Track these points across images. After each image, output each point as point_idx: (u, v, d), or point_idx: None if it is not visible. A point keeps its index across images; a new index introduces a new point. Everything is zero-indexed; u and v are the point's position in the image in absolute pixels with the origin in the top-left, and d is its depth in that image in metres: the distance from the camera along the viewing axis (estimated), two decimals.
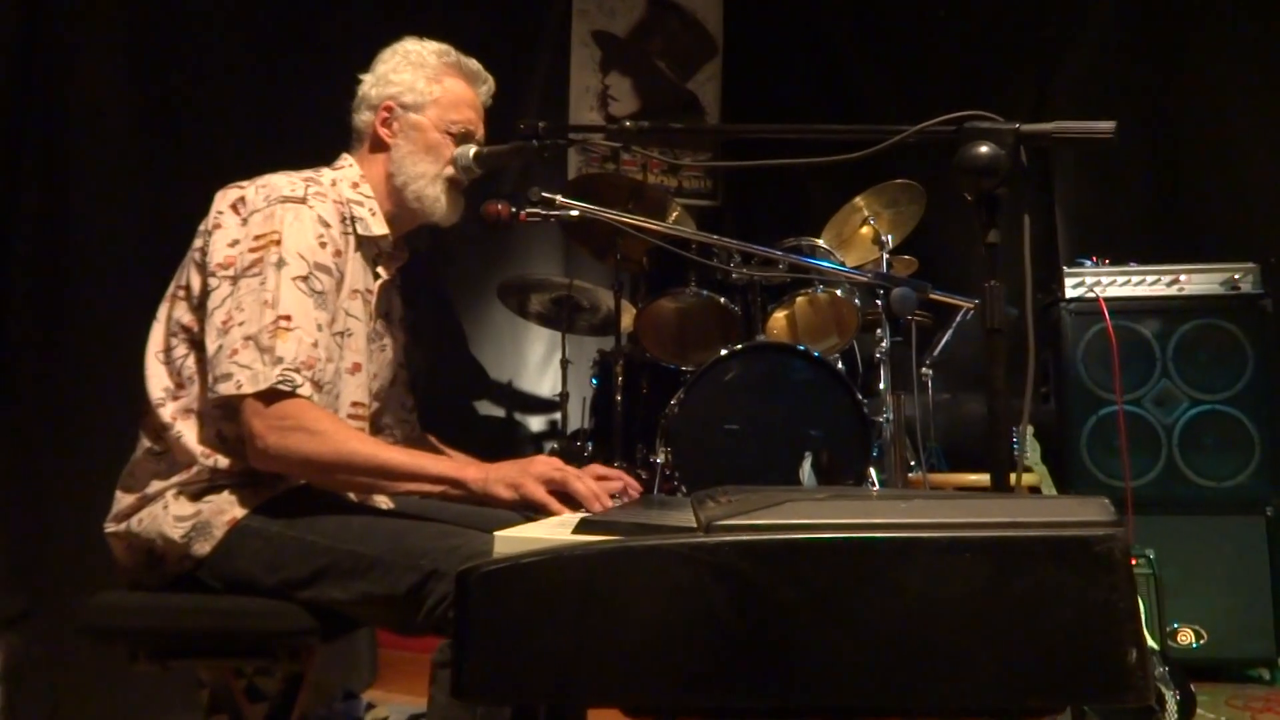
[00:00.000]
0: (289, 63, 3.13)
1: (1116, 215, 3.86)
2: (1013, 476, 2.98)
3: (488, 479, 1.46)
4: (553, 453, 3.99)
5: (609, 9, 4.89)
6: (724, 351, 3.11)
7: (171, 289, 1.59)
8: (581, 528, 0.84)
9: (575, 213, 1.74)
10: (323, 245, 1.52)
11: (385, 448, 1.51)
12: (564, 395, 3.89)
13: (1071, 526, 0.72)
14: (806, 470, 3.14)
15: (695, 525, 0.79)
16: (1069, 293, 3.49)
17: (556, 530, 0.91)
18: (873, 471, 3.19)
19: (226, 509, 1.43)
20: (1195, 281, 3.46)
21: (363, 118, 1.72)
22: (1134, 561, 3.05)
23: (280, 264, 1.46)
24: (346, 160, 1.71)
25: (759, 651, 0.71)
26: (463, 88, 1.74)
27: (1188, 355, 3.42)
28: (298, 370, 1.42)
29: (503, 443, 4.32)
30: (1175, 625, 3.24)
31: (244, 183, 1.58)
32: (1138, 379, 3.43)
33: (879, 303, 3.76)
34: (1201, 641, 3.27)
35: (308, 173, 1.62)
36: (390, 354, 1.80)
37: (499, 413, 4.36)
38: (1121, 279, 3.50)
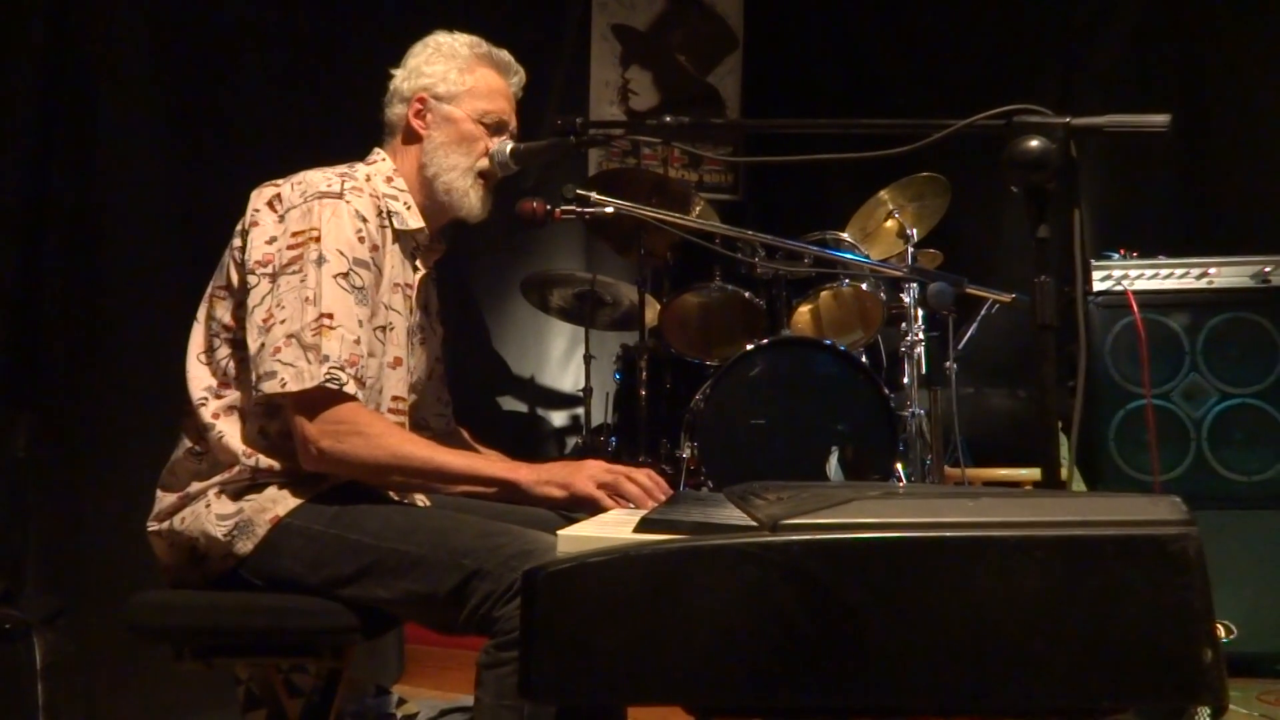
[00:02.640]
0: (317, 62, 3.13)
1: (1143, 207, 3.82)
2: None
3: (539, 480, 1.47)
4: (577, 448, 4.00)
5: (629, 3, 4.89)
6: (750, 346, 3.10)
7: (211, 289, 1.59)
8: (642, 527, 0.83)
9: (610, 209, 1.74)
10: (361, 240, 1.52)
11: (440, 449, 1.52)
12: (587, 390, 3.88)
13: (1144, 525, 0.71)
14: (833, 465, 3.14)
15: (757, 524, 0.78)
16: (1096, 285, 3.46)
17: (615, 529, 0.91)
18: (899, 466, 3.18)
19: (269, 507, 1.44)
20: (1225, 274, 3.42)
21: (395, 111, 1.71)
22: None
23: (320, 261, 1.46)
24: (379, 155, 1.71)
25: (826, 651, 0.71)
26: (495, 78, 1.73)
27: (1217, 348, 3.39)
28: (342, 369, 1.42)
29: (525, 438, 4.33)
30: None
31: (279, 180, 1.58)
32: (1166, 373, 3.40)
33: (904, 297, 3.75)
34: (1232, 637, 3.24)
35: (342, 168, 1.62)
36: (428, 348, 1.80)
37: (522, 408, 4.37)
38: (1149, 272, 3.47)
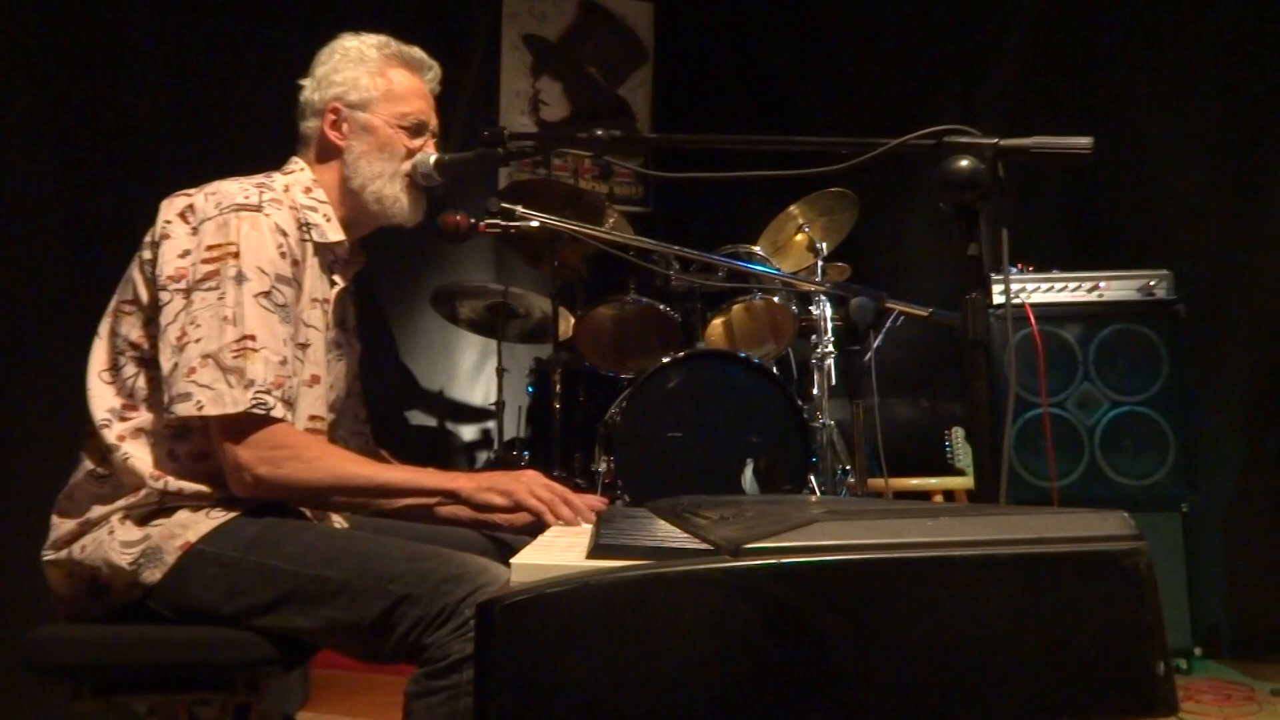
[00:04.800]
0: (218, 68, 3.01)
1: (1037, 223, 3.98)
2: (954, 480, 3.02)
3: (479, 487, 1.44)
4: (489, 462, 3.93)
5: (540, 13, 4.86)
6: (666, 359, 3.10)
7: (115, 303, 1.50)
8: (597, 552, 0.81)
9: (535, 223, 1.71)
10: (282, 256, 1.45)
11: (378, 466, 1.47)
12: (499, 404, 3.83)
13: (1099, 541, 0.72)
14: (748, 477, 3.16)
15: (715, 547, 0.77)
16: (996, 299, 3.59)
17: (564, 554, 0.89)
18: (811, 478, 3.23)
19: (179, 533, 1.36)
20: (1114, 288, 3.59)
21: (309, 124, 1.64)
22: None
23: (240, 278, 1.39)
24: (297, 164, 1.64)
25: (792, 676, 0.70)
26: (408, 77, 1.68)
27: (1107, 359, 3.55)
28: (269, 391, 1.36)
29: (435, 452, 4.24)
30: None
31: (191, 190, 1.50)
32: (1061, 382, 3.55)
33: (813, 310, 3.82)
34: None
35: (259, 178, 1.55)
36: (346, 364, 1.73)
37: (431, 422, 4.27)
38: (1045, 285, 3.62)
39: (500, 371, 3.77)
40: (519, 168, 4.75)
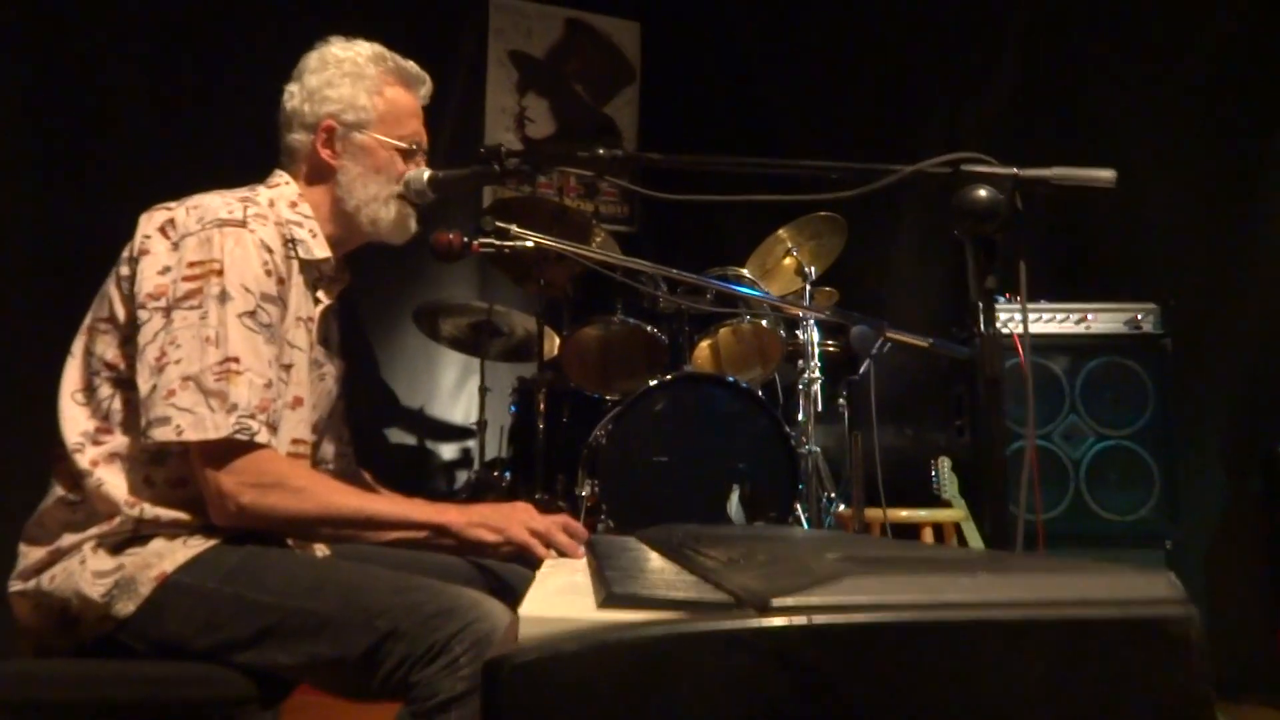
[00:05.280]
0: (198, 71, 2.95)
1: (1024, 248, 3.97)
2: (943, 512, 2.94)
3: (470, 523, 1.38)
4: (469, 482, 3.86)
5: (526, 30, 4.83)
6: (653, 382, 3.07)
7: (89, 321, 1.43)
8: (610, 602, 0.76)
9: (530, 243, 1.66)
10: (268, 274, 1.39)
11: (367, 497, 1.41)
12: (481, 423, 3.77)
13: (1146, 605, 0.68)
14: (734, 503, 3.12)
15: (737, 601, 0.72)
16: (984, 329, 3.58)
17: (572, 603, 0.84)
18: (798, 506, 3.19)
19: (154, 563, 1.29)
20: (1101, 320, 3.59)
21: (297, 137, 1.57)
22: None
23: (224, 297, 1.33)
24: (282, 177, 1.58)
25: None
26: (405, 96, 1.62)
27: (1094, 391, 3.54)
28: (253, 416, 1.30)
29: (415, 471, 4.17)
30: None
31: (171, 204, 1.44)
32: (1048, 414, 3.53)
33: (800, 334, 3.79)
34: None
35: (242, 192, 1.49)
36: (329, 384, 1.67)
37: (410, 440, 4.20)
38: (1033, 316, 3.61)
39: (483, 390, 3.71)
40: (503, 184, 4.71)
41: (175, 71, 2.87)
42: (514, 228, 1.62)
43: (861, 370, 3.58)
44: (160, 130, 2.75)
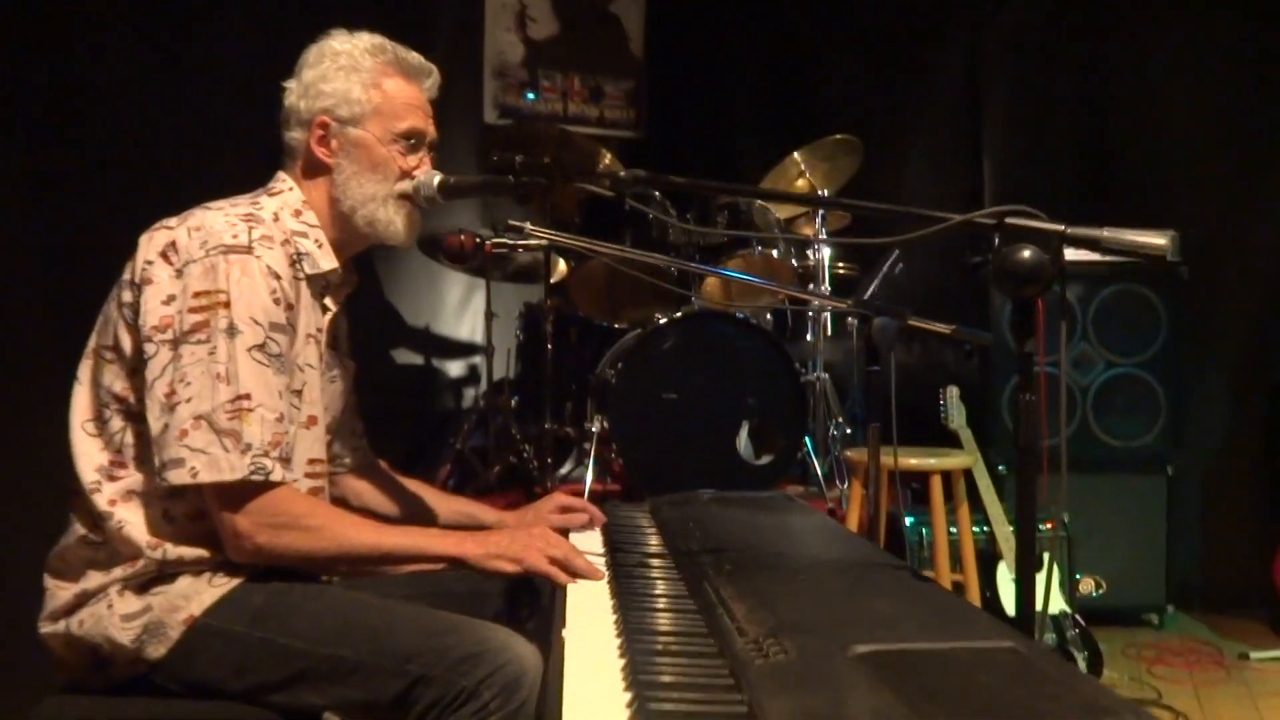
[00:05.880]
0: (193, 64, 2.79)
1: (1043, 172, 3.88)
2: (952, 460, 2.88)
3: (487, 554, 1.37)
4: (476, 404, 3.84)
5: None
6: (662, 320, 3.03)
7: (94, 345, 1.39)
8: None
9: (541, 239, 1.60)
10: (276, 302, 1.34)
11: (384, 532, 1.40)
12: (489, 350, 3.71)
13: None
14: (744, 438, 3.14)
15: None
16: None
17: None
18: (806, 441, 3.22)
19: (181, 605, 1.29)
20: None
21: (294, 135, 1.50)
22: (1049, 525, 3.18)
23: (232, 331, 1.29)
24: (285, 182, 1.51)
25: None
26: (405, 88, 1.53)
27: (1106, 320, 3.52)
28: (266, 454, 1.28)
29: (422, 389, 4.17)
30: (1079, 576, 3.41)
31: (172, 221, 1.37)
32: (1059, 342, 3.52)
33: (810, 256, 3.74)
34: (1100, 591, 3.47)
35: (245, 207, 1.42)
36: (339, 384, 1.65)
37: (417, 360, 4.19)
38: None
39: (489, 315, 3.66)
40: (504, 89, 4.54)
41: (170, 64, 2.71)
42: (528, 226, 1.55)
43: (881, 365, 3.54)
44: (155, 125, 2.61)
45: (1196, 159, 3.61)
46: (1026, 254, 1.09)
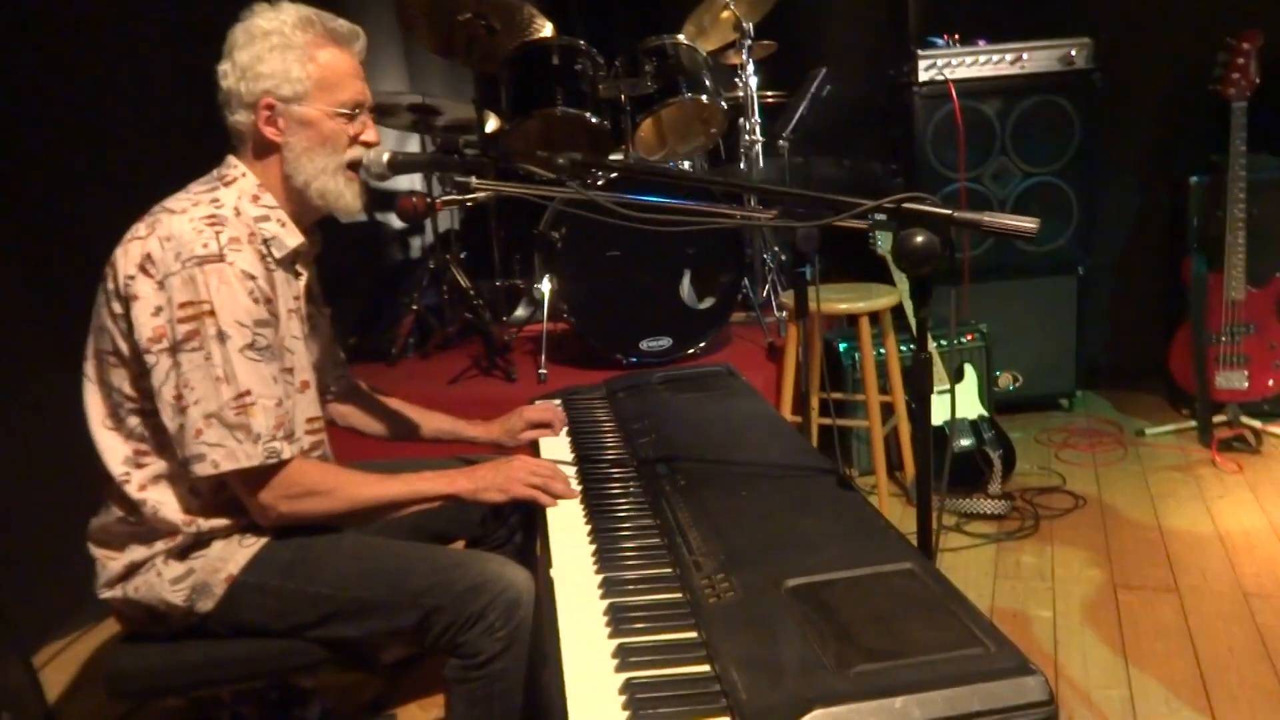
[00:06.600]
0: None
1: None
2: (880, 300, 3.14)
3: (478, 488, 1.57)
4: (427, 260, 3.95)
5: None
6: (599, 183, 3.13)
7: (94, 348, 1.51)
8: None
9: (483, 193, 1.70)
10: (256, 301, 1.46)
11: (386, 483, 1.57)
12: (431, 200, 3.78)
13: (1027, 710, 0.96)
14: (686, 286, 3.33)
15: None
16: (921, 76, 3.61)
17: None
18: (745, 281, 3.41)
19: (220, 566, 1.50)
20: (1035, 59, 3.63)
21: (239, 118, 1.54)
22: (970, 337, 3.48)
23: (221, 337, 1.41)
24: (237, 168, 1.57)
25: None
26: (339, 57, 1.57)
27: (1023, 131, 3.67)
28: (274, 439, 1.44)
29: (368, 243, 4.23)
30: (998, 373, 3.76)
31: (141, 230, 1.46)
32: (979, 157, 3.68)
33: (739, 85, 3.79)
34: (1017, 384, 3.84)
35: (206, 206, 1.49)
36: (320, 331, 1.78)
37: (359, 215, 4.22)
38: (969, 59, 3.62)
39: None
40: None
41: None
42: (473, 180, 1.65)
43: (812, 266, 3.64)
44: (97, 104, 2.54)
45: None
46: (920, 239, 1.25)
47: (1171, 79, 3.74)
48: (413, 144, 3.86)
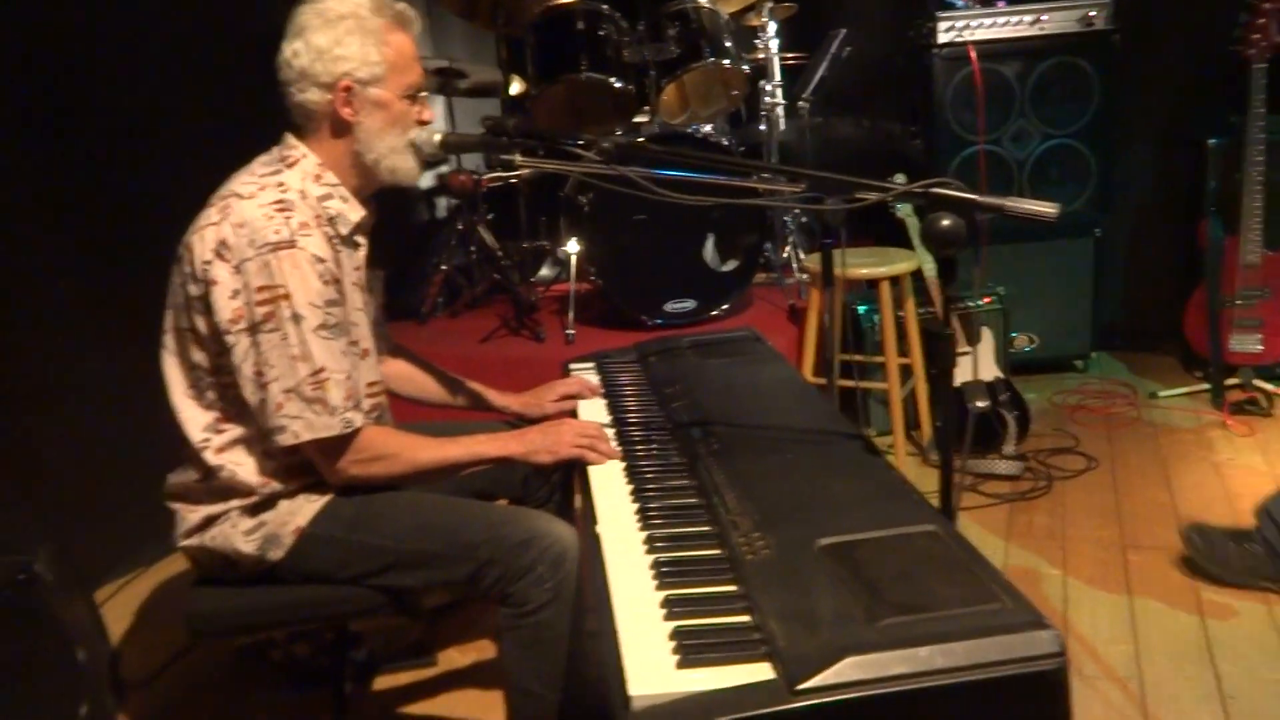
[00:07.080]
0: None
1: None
2: (900, 265, 3.23)
3: (530, 450, 1.70)
4: (454, 220, 4.04)
5: None
6: None
7: (173, 322, 1.61)
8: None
9: (526, 171, 1.78)
10: (326, 283, 1.55)
11: (446, 447, 1.68)
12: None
13: (1038, 660, 1.06)
14: (709, 249, 3.40)
15: (776, 680, 1.07)
16: (941, 38, 3.64)
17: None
18: (767, 245, 3.48)
19: (289, 519, 1.62)
20: (1055, 20, 3.65)
21: (310, 97, 1.61)
22: (988, 300, 3.55)
23: (297, 319, 1.51)
24: (298, 148, 1.64)
25: None
26: (406, 42, 1.66)
27: (1043, 93, 3.70)
28: (347, 409, 1.55)
29: (397, 202, 4.29)
30: (1014, 335, 3.83)
31: (214, 215, 1.55)
32: (998, 119, 3.72)
33: (759, 47, 3.83)
34: (1034, 345, 3.91)
35: (273, 190, 1.57)
36: (375, 290, 1.86)
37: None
38: (988, 20, 3.65)
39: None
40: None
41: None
42: (518, 158, 1.73)
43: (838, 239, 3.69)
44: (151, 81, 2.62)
45: None
46: (946, 222, 1.33)
47: (1191, 40, 3.75)
48: (436, 106, 3.93)
